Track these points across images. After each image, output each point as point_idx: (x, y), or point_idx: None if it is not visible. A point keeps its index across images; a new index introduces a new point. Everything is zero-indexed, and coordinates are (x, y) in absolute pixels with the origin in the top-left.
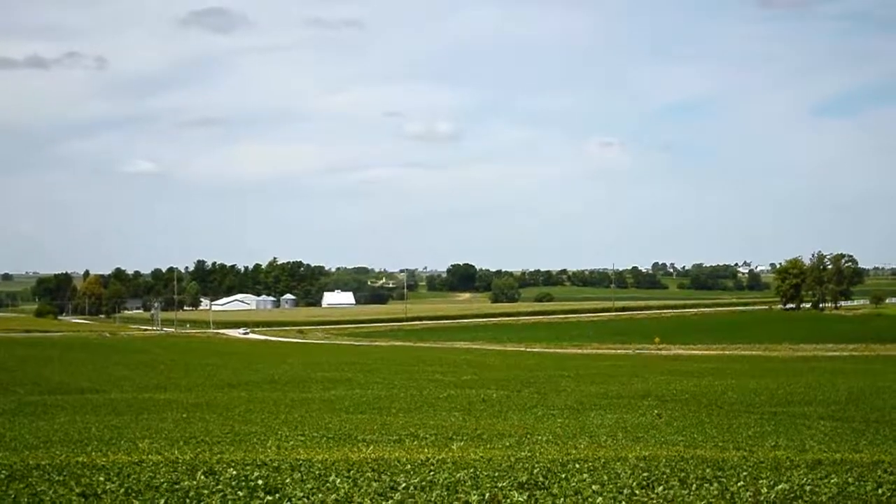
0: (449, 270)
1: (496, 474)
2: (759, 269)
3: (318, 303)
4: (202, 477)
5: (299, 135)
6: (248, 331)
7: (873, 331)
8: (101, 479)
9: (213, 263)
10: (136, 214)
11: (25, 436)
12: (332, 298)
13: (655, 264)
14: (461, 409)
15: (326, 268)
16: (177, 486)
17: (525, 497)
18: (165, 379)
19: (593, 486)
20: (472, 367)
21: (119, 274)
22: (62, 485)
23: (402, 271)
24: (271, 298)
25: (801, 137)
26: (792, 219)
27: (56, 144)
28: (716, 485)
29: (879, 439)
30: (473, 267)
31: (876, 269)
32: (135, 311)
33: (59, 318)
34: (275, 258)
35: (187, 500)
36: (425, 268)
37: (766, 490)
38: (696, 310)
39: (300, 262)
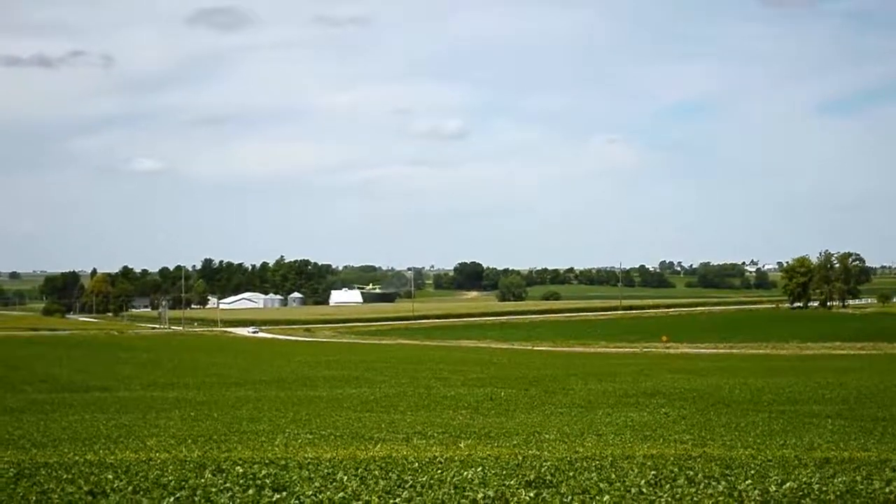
0: (456, 269)
1: (504, 472)
2: (766, 267)
3: (325, 301)
4: (210, 475)
5: (306, 133)
6: (258, 329)
7: (881, 329)
8: (110, 477)
9: (221, 262)
10: (144, 213)
11: (33, 434)
12: (339, 297)
13: (663, 263)
14: (469, 408)
15: (334, 266)
16: (185, 485)
17: (532, 495)
18: (173, 377)
19: (601, 485)
20: (480, 366)
21: (126, 272)
22: (70, 483)
23: (409, 269)
24: (279, 297)
25: (809, 136)
26: (799, 217)
27: (63, 143)
28: (724, 483)
29: (888, 438)
30: (480, 265)
31: (883, 267)
32: (142, 310)
33: (67, 316)
34: (282, 256)
35: (195, 499)
36: (432, 266)
37: (773, 488)
38: (703, 308)
39: (307, 260)
